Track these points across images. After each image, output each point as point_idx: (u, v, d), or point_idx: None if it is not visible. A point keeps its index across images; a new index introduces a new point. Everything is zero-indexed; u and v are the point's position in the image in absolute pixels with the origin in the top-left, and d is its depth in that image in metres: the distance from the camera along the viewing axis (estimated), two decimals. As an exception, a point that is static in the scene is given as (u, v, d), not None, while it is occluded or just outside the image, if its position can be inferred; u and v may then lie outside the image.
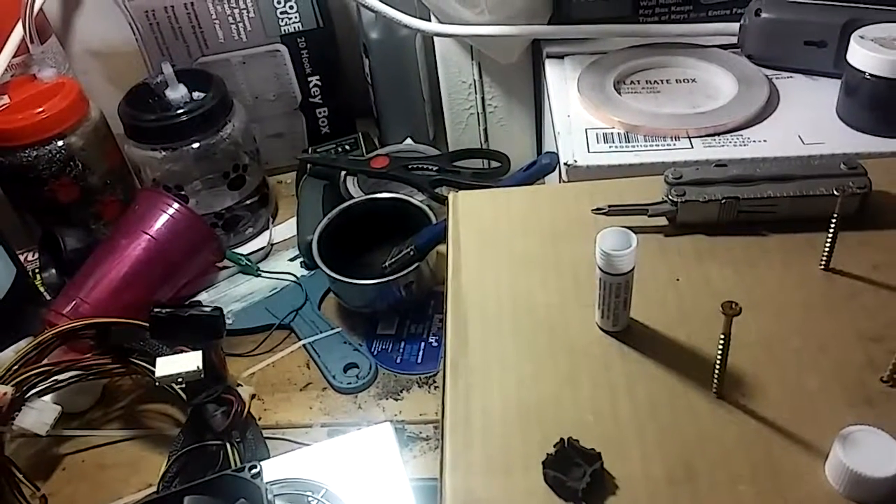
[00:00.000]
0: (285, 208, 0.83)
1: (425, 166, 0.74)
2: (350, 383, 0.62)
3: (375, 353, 0.65)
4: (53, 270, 0.71)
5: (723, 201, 0.43)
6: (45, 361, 0.57)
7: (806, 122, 0.55)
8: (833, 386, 0.35)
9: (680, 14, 0.65)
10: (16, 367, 0.55)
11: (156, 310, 0.56)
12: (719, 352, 0.34)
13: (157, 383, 0.52)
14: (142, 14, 0.73)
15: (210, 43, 0.77)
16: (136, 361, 0.58)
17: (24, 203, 0.74)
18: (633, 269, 0.36)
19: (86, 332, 0.58)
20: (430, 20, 0.70)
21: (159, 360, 0.52)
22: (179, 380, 0.52)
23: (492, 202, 0.49)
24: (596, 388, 0.36)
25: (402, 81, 0.81)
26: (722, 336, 0.34)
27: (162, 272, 0.67)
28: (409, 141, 0.82)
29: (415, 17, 0.70)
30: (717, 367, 0.35)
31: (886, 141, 0.52)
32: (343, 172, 0.76)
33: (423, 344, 0.65)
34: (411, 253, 0.64)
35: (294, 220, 0.78)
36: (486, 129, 0.78)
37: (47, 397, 0.56)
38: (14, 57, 0.75)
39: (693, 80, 0.61)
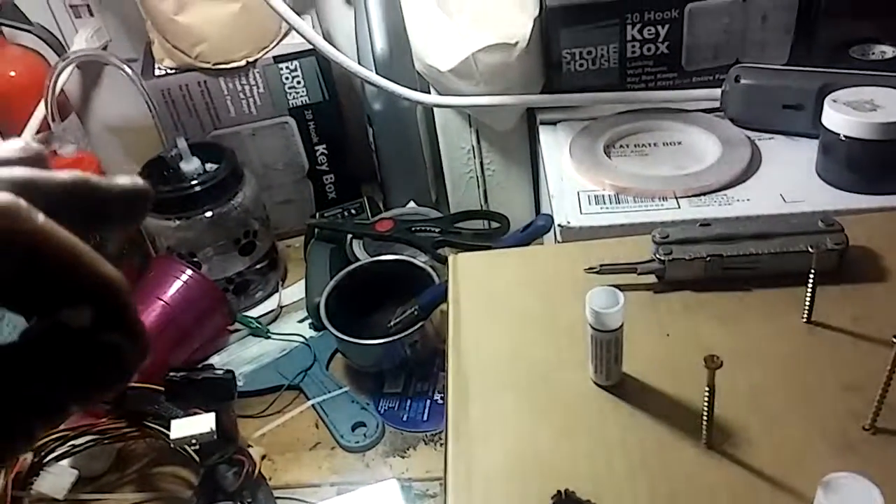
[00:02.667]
0: (294, 271, 0.85)
1: (428, 228, 0.77)
2: (358, 442, 0.63)
3: (382, 411, 0.66)
4: (71, 337, 0.73)
5: (707, 259, 0.45)
6: (62, 427, 0.59)
7: (787, 181, 0.58)
8: (817, 434, 0.37)
9: (665, 81, 0.69)
10: (35, 432, 0.57)
11: (170, 374, 0.58)
12: (705, 403, 0.36)
13: (171, 445, 0.54)
14: (158, 93, 0.78)
15: (222, 117, 0.81)
16: (151, 425, 0.59)
17: (44, 272, 0.77)
18: (622, 326, 0.38)
19: (102, 396, 0.60)
20: (429, 92, 0.74)
21: (174, 423, 0.54)
22: (193, 441, 0.54)
23: (490, 263, 0.52)
24: (591, 441, 0.38)
25: (405, 148, 0.85)
26: (707, 388, 0.35)
27: (175, 337, 0.70)
28: (412, 204, 0.85)
29: (415, 89, 0.74)
30: (705, 418, 0.36)
31: (864, 197, 0.55)
32: (349, 236, 0.80)
33: (428, 401, 0.67)
34: (415, 313, 0.66)
35: (303, 282, 0.81)
36: (485, 191, 0.81)
37: (64, 462, 0.58)
38: (36, 133, 0.79)
39: (679, 143, 0.64)
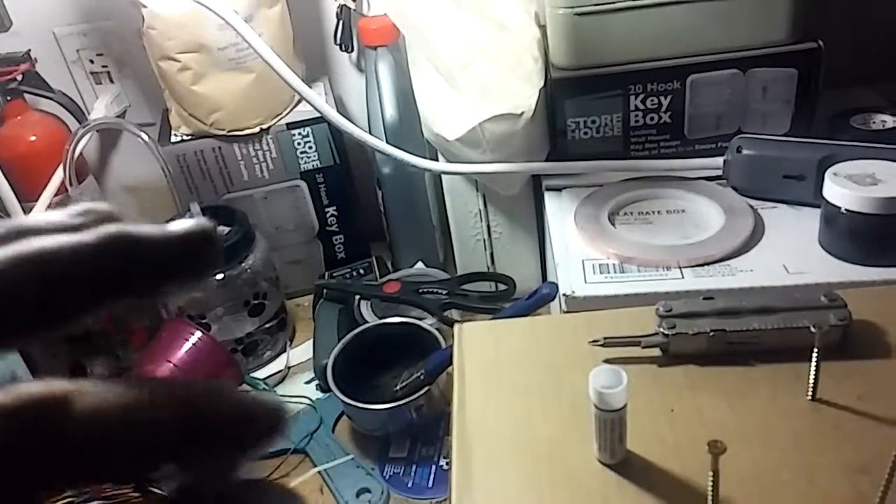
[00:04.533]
0: (303, 330, 0.86)
1: (435, 290, 0.78)
2: (363, 510, 0.63)
3: (388, 477, 0.66)
4: (80, 398, 0.74)
5: (711, 334, 0.45)
6: (67, 494, 0.58)
7: (790, 251, 0.58)
8: (823, 519, 0.36)
9: (668, 149, 0.71)
10: (40, 498, 0.57)
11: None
12: (710, 488, 0.36)
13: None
14: (173, 158, 0.80)
15: (235, 181, 0.83)
16: (156, 490, 0.59)
17: (55, 333, 0.78)
18: (625, 406, 0.39)
19: (109, 462, 0.60)
20: (437, 158, 0.75)
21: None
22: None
23: (495, 334, 0.52)
24: (595, 522, 0.38)
25: (413, 210, 0.86)
26: (711, 473, 0.35)
27: (183, 399, 0.70)
28: (420, 265, 0.86)
29: (424, 154, 0.76)
30: (710, 502, 0.36)
31: (867, 270, 0.55)
32: (357, 297, 0.80)
33: (434, 467, 0.66)
34: (421, 377, 0.67)
35: (311, 342, 0.81)
36: (492, 254, 0.82)
37: (69, 529, 0.58)
38: (55, 196, 0.81)
39: (683, 211, 0.65)
